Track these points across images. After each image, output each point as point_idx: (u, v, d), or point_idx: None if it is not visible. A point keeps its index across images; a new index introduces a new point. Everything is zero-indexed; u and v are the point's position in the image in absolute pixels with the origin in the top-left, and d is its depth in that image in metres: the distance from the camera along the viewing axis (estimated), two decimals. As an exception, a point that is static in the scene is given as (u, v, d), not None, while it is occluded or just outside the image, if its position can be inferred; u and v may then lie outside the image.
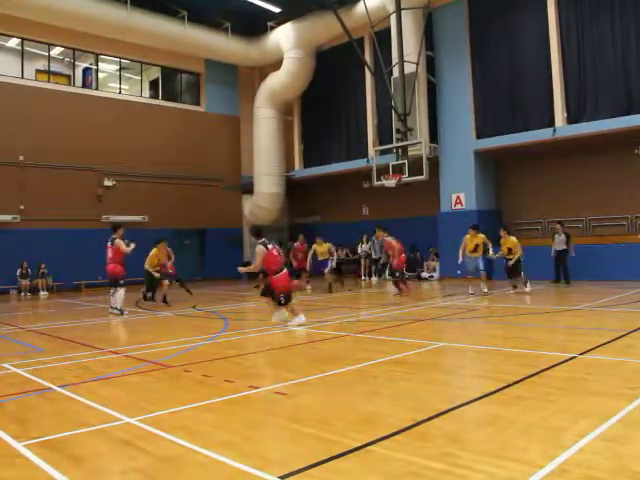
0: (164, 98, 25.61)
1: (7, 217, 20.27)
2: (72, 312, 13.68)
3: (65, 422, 4.80)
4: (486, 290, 15.04)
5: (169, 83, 26.26)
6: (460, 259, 14.99)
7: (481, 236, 15.02)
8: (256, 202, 25.65)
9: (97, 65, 24.03)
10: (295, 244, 18.64)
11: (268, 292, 10.46)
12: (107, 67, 25.04)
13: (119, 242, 12.62)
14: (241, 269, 11.02)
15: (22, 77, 21.60)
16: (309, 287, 18.30)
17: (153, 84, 26.05)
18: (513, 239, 14.99)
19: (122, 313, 12.66)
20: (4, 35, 21.49)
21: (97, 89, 23.78)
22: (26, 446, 4.18)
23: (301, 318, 10.20)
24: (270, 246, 10.13)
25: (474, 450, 3.79)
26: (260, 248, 10.02)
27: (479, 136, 20.07)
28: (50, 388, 5.99)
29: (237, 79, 27.42)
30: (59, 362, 7.54)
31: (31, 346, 8.81)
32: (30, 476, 3.69)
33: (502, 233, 15.15)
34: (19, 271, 20.16)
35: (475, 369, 6.69)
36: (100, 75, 24.36)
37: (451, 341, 8.16)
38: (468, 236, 15.10)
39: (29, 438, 4.36)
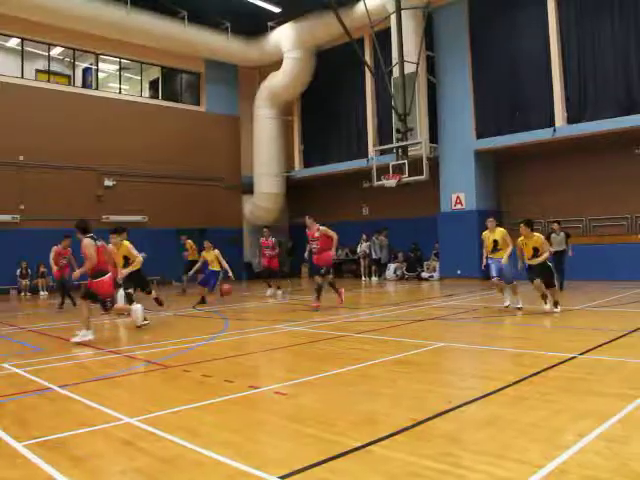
0: (164, 98, 25.64)
1: (7, 217, 20.26)
2: (72, 312, 13.64)
3: (65, 422, 4.80)
4: (507, 303, 11.80)
5: (169, 83, 26.28)
6: (483, 262, 11.97)
7: (500, 230, 11.69)
8: (256, 202, 25.65)
9: (97, 65, 24.04)
10: (261, 239, 17.36)
11: (90, 295, 9.20)
12: (107, 67, 25.05)
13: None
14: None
15: (22, 77, 21.60)
16: (280, 292, 16.69)
17: (153, 84, 26.07)
18: (539, 237, 10.88)
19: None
20: (4, 35, 21.49)
21: (97, 89, 23.79)
22: (26, 446, 4.18)
23: (87, 333, 8.97)
24: (99, 243, 9.14)
25: (474, 450, 3.79)
26: (89, 241, 8.91)
27: (479, 136, 20.08)
28: (50, 388, 5.99)
29: (237, 79, 27.42)
30: (59, 362, 7.54)
31: (31, 346, 8.81)
32: (30, 476, 3.69)
33: (523, 229, 10.88)
34: (19, 271, 20.18)
35: (475, 369, 6.70)
36: (100, 75, 24.37)
37: (451, 341, 8.16)
38: (485, 232, 11.97)
39: (29, 438, 4.35)
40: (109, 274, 9.33)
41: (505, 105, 19.55)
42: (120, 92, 24.50)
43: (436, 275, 21.02)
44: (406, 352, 7.34)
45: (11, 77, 21.22)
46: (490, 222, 11.87)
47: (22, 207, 20.61)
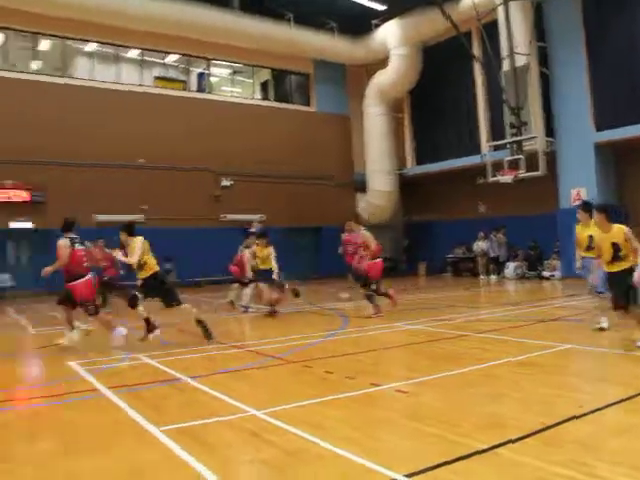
0: (275, 99, 26.37)
1: (133, 217, 21.56)
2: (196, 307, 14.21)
3: (196, 411, 5.06)
4: (605, 325, 8.51)
5: (279, 85, 26.98)
6: (577, 263, 9.03)
7: (619, 228, 7.33)
8: (370, 200, 25.66)
9: (210, 70, 25.14)
10: (344, 235, 15.49)
11: (67, 300, 8.68)
12: (219, 71, 26.16)
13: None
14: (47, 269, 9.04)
15: (141, 85, 23.07)
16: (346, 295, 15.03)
17: (264, 86, 26.88)
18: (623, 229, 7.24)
19: (247, 310, 13.00)
20: (125, 47, 23.03)
21: (211, 93, 24.87)
22: (163, 432, 4.45)
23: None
24: (78, 245, 8.59)
25: (608, 459, 3.60)
26: (64, 242, 8.47)
27: (599, 128, 18.92)
28: (180, 379, 6.32)
29: (345, 78, 27.60)
30: (188, 355, 7.93)
31: (162, 339, 9.32)
32: (167, 459, 3.93)
33: (597, 216, 7.44)
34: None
35: (604, 374, 6.34)
36: (213, 79, 25.50)
37: (575, 343, 7.76)
38: (579, 226, 8.96)
39: (164, 424, 4.63)
40: (86, 278, 8.53)
41: (626, 96, 18.28)
42: (232, 95, 25.45)
43: (557, 274, 20.08)
44: (529, 353, 7.07)
45: (132, 85, 22.73)
46: (585, 214, 8.69)
47: (145, 207, 21.79)
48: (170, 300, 8.79)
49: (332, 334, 9.36)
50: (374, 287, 11.55)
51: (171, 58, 24.46)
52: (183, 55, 24.30)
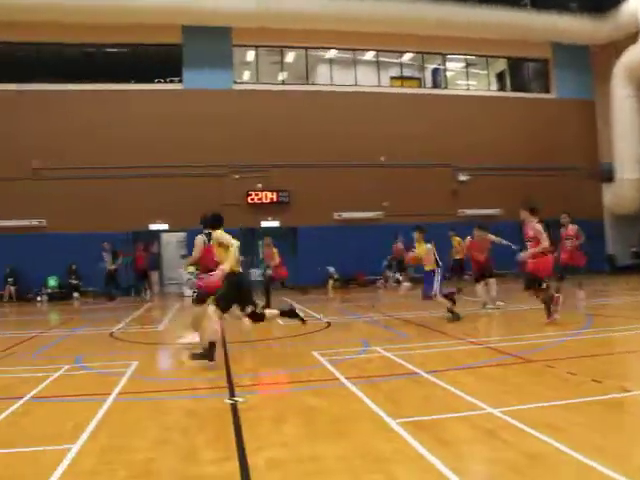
0: (512, 89, 25.48)
1: (374, 214, 22.56)
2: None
3: (432, 406, 5.10)
4: None
5: (516, 73, 25.98)
6: None
7: None
8: (617, 191, 23.42)
9: (444, 65, 25.07)
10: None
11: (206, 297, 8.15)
12: (454, 65, 25.91)
13: None
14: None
15: (378, 85, 23.90)
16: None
17: (499, 77, 26.07)
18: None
19: (486, 305, 12.56)
20: (362, 50, 24.07)
21: (446, 88, 24.81)
22: (399, 424, 4.55)
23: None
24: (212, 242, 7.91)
25: None
26: (199, 238, 8.56)
27: None
28: (416, 373, 6.40)
29: (588, 60, 25.53)
30: (424, 349, 8.02)
31: (399, 332, 9.52)
32: (403, 451, 4.02)
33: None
34: (384, 263, 21.89)
35: None
36: (448, 74, 25.39)
37: None
38: None
39: (401, 417, 4.73)
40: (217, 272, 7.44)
41: None
42: (468, 89, 25.12)
43: None
44: None
45: (369, 87, 23.63)
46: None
47: (385, 204, 22.55)
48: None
49: (576, 333, 8.73)
50: (544, 285, 9.67)
51: (406, 57, 24.93)
52: (418, 53, 24.62)
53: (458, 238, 16.75)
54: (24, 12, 19.40)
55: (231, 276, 7.25)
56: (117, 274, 18.75)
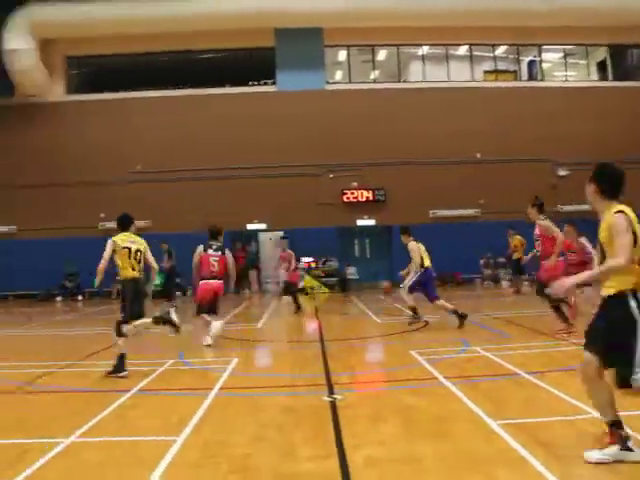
0: (614, 78, 24.18)
1: (471, 211, 22.15)
2: (533, 300, 13.80)
3: (534, 408, 5.00)
4: None
5: (619, 61, 24.58)
6: None
7: None
8: None
9: (540, 56, 24.17)
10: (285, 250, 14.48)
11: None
12: (550, 56, 24.92)
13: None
14: None
15: (472, 80, 23.41)
16: None
17: (601, 65, 24.77)
18: None
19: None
20: (455, 45, 23.65)
21: (543, 80, 23.93)
22: (500, 425, 4.49)
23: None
24: (211, 251, 9.29)
25: None
26: (199, 249, 9.37)
27: None
28: (517, 373, 6.28)
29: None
30: (525, 350, 7.82)
31: (501, 333, 9.32)
32: (504, 452, 3.98)
33: None
34: (482, 261, 21.44)
35: None
36: (544, 65, 24.45)
37: None
38: None
39: (502, 418, 4.67)
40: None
41: None
42: (566, 80, 24.09)
43: None
44: None
45: (463, 82, 23.20)
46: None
47: (482, 201, 22.05)
48: None
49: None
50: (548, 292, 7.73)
51: (500, 50, 24.27)
52: (512, 45, 23.89)
53: (519, 237, 16.18)
54: (139, 25, 20.90)
55: (129, 282, 7.13)
56: (173, 273, 18.41)
